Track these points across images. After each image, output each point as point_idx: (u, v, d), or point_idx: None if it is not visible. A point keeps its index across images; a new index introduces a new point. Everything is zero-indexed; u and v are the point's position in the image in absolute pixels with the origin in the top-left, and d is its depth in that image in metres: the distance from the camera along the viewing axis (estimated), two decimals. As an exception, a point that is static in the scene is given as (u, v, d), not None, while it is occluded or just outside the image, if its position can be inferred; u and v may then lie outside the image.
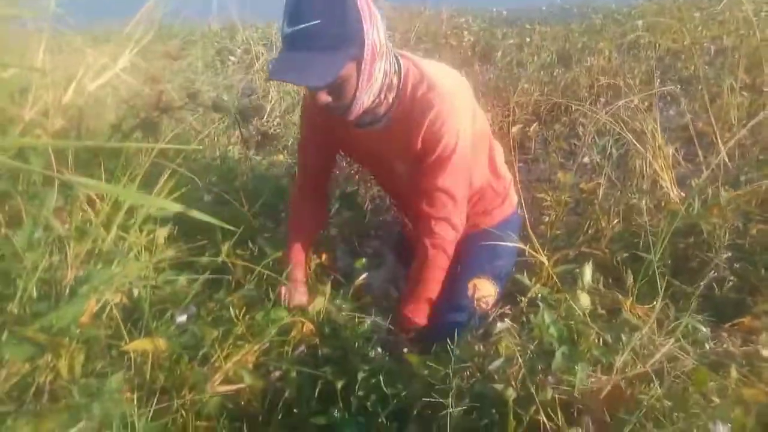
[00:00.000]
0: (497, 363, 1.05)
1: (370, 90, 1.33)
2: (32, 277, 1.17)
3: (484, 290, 1.45)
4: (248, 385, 1.19)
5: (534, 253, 1.22)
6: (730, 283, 1.45)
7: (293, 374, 1.26)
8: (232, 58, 4.87)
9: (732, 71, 3.23)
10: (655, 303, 1.46)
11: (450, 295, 1.47)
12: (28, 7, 1.87)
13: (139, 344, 1.13)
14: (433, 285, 1.47)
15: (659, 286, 1.12)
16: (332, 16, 1.19)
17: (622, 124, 1.98)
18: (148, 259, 1.28)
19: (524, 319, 1.22)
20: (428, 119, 1.35)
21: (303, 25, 1.18)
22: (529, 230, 1.39)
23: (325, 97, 1.30)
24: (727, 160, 2.26)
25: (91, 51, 1.72)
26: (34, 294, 1.18)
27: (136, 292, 1.31)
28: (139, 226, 1.37)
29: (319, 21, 1.18)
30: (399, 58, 1.41)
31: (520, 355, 1.07)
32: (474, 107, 1.50)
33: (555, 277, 1.21)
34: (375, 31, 1.27)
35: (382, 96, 1.38)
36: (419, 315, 1.48)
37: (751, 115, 2.69)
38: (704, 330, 1.07)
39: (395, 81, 1.39)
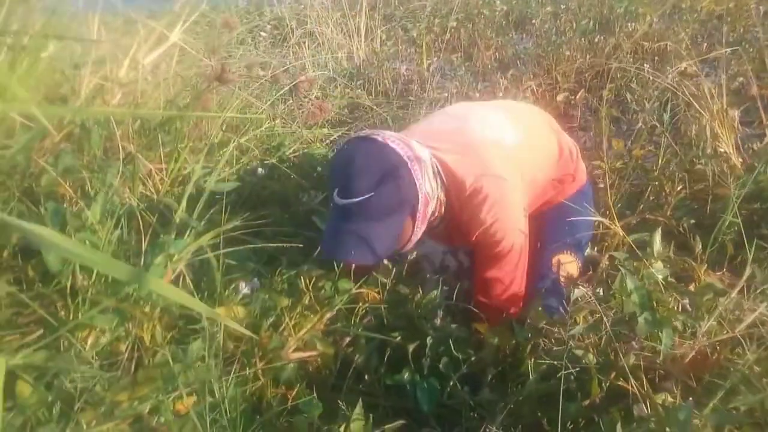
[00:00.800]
0: (578, 329, 1.04)
1: (421, 230, 1.31)
2: (108, 249, 1.20)
3: (567, 264, 1.42)
4: (320, 352, 1.20)
5: (607, 222, 1.19)
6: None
7: (363, 341, 1.27)
8: (263, 33, 4.85)
9: (785, 33, 3.11)
10: (724, 270, 1.43)
11: (532, 269, 1.43)
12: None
13: (218, 312, 1.14)
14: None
15: (747, 250, 1.09)
16: (385, 186, 1.17)
17: (683, 88, 1.92)
18: (218, 229, 1.28)
19: (599, 289, 1.19)
20: (479, 222, 1.30)
21: (357, 199, 1.16)
22: (608, 199, 1.36)
23: None
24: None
25: (144, 26, 1.72)
26: (109, 265, 1.20)
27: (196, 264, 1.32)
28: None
29: (372, 194, 1.15)
30: (440, 171, 1.34)
31: (600, 322, 1.05)
32: (526, 154, 1.42)
33: (632, 244, 1.18)
34: (426, 181, 1.25)
35: (436, 214, 1.36)
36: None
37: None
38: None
39: (443, 196, 1.35)
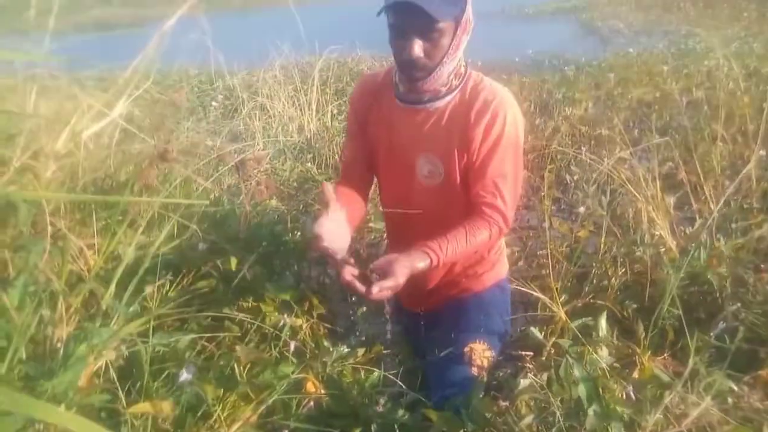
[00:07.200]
0: (528, 420, 1.01)
1: (452, 61, 1.43)
2: (23, 337, 1.09)
3: (480, 353, 1.41)
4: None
5: (552, 307, 1.20)
6: (740, 335, 1.44)
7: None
8: (214, 103, 4.86)
9: (707, 122, 3.36)
10: (666, 355, 1.44)
11: (448, 362, 1.43)
12: (20, 51, 1.83)
13: (141, 407, 1.05)
14: (462, 242, 1.37)
15: (690, 342, 1.10)
16: None
17: (618, 173, 2.01)
18: (148, 316, 1.20)
19: (543, 375, 1.18)
20: (491, 108, 1.42)
21: None
22: (551, 282, 1.36)
23: (419, 50, 1.37)
24: (712, 207, 2.32)
25: (86, 97, 1.67)
26: (23, 355, 1.10)
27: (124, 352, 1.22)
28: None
29: None
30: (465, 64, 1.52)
31: (546, 412, 1.03)
32: None
33: (575, 330, 1.18)
34: (470, 6, 1.42)
35: (451, 77, 1.47)
36: (433, 252, 1.34)
37: (731, 164, 2.78)
38: (735, 388, 1.05)
39: (462, 70, 1.50)
